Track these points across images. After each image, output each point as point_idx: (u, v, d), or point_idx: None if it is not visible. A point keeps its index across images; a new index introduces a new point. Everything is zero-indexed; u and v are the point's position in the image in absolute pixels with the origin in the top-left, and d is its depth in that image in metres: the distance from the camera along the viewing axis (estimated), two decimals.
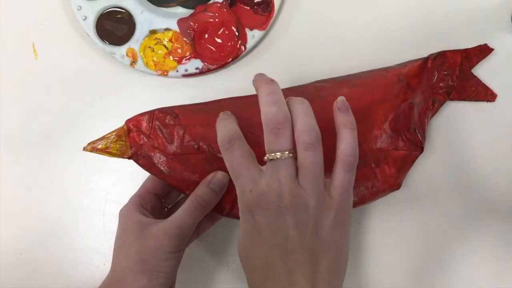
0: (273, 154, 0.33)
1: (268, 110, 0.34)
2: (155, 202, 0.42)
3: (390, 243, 0.46)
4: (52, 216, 0.48)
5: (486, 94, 0.46)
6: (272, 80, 0.36)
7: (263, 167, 0.34)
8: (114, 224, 0.41)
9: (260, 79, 0.36)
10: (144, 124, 0.40)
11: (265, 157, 0.34)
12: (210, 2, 0.47)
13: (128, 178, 0.47)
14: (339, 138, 0.35)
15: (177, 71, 0.47)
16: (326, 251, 0.34)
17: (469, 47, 0.46)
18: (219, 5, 0.47)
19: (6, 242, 0.48)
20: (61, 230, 0.48)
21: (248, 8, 0.47)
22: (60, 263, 0.47)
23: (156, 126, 0.40)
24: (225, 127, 0.36)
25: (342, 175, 0.34)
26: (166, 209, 0.44)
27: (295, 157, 0.34)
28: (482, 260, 0.46)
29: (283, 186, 0.33)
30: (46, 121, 0.48)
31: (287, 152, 0.33)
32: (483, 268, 0.46)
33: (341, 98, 0.36)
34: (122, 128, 0.40)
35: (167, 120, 0.40)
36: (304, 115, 0.34)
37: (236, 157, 0.35)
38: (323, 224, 0.34)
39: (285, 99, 0.35)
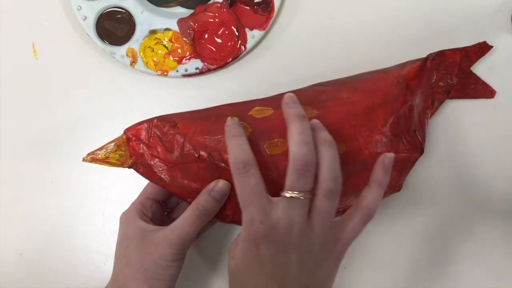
0: (293, 193, 0.34)
1: (298, 150, 0.34)
2: (156, 208, 0.42)
3: (390, 244, 0.46)
4: (52, 216, 0.48)
5: (485, 91, 0.46)
6: (304, 116, 0.36)
7: (274, 199, 0.35)
8: (114, 224, 0.41)
9: (293, 113, 0.36)
10: (143, 133, 0.40)
11: (283, 193, 0.34)
12: (210, 2, 0.47)
13: (128, 178, 0.47)
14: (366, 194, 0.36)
15: (177, 71, 0.47)
16: None
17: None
18: (219, 5, 0.47)
19: (6, 242, 0.48)
20: (61, 230, 0.48)
21: (248, 8, 0.47)
22: (60, 263, 0.47)
23: (155, 135, 0.40)
24: (239, 149, 0.36)
25: (358, 225, 0.35)
26: (166, 213, 0.44)
27: (311, 199, 0.34)
28: (482, 260, 0.46)
29: (294, 224, 0.34)
30: (46, 121, 0.48)
31: (306, 193, 0.34)
32: (483, 268, 0.46)
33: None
34: (121, 137, 0.40)
35: (166, 129, 0.40)
36: (332, 161, 0.35)
37: (249, 184, 0.35)
38: (323, 265, 0.35)
39: (312, 132, 0.36)
